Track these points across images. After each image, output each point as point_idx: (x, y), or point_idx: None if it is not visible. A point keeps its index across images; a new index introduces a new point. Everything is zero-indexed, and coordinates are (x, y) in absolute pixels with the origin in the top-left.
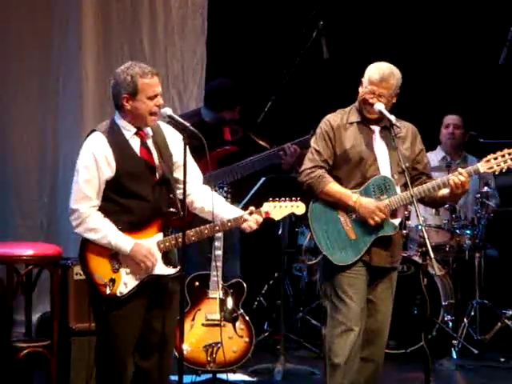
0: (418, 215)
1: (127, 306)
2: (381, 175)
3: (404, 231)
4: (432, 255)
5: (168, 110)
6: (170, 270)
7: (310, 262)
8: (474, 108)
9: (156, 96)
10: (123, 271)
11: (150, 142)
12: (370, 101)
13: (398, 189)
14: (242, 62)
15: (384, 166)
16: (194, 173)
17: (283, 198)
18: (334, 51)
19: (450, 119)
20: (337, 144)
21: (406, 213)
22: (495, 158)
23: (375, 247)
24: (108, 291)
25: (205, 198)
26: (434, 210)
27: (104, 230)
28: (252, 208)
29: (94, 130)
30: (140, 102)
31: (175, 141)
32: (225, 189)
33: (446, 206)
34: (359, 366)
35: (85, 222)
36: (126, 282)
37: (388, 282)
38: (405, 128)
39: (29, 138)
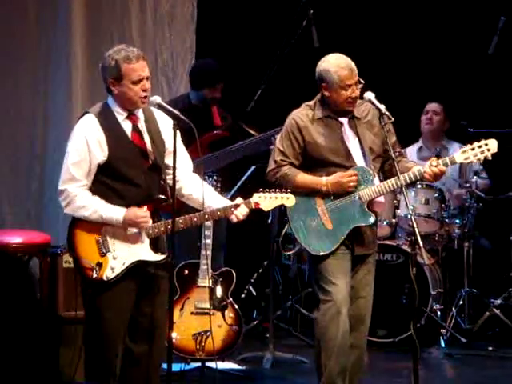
0: (407, 204)
1: (114, 291)
2: (359, 166)
3: (393, 220)
4: (421, 244)
5: (157, 98)
6: (158, 257)
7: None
8: (464, 98)
9: (141, 80)
10: (110, 256)
11: (142, 127)
12: (354, 95)
13: (376, 180)
14: (232, 49)
15: (358, 156)
16: (184, 160)
17: (273, 189)
18: (324, 40)
19: (430, 106)
20: (306, 141)
21: (395, 202)
22: (472, 149)
23: (355, 236)
24: (94, 275)
25: (193, 185)
26: (423, 199)
27: (93, 206)
28: (240, 199)
29: (86, 112)
30: (125, 87)
31: (168, 127)
32: (214, 177)
33: (436, 195)
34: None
35: (73, 201)
36: (113, 267)
37: (368, 267)
38: (370, 112)
39: (17, 124)
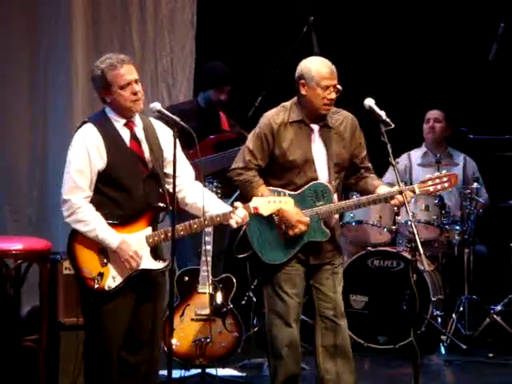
0: (407, 211)
1: (116, 300)
2: (320, 182)
3: (393, 227)
4: (421, 251)
5: (157, 105)
6: (159, 265)
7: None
8: (464, 104)
9: (129, 84)
10: (111, 265)
11: (140, 136)
12: (330, 97)
13: (335, 197)
14: (232, 56)
15: (321, 167)
16: (186, 169)
17: (272, 194)
18: (324, 46)
19: (431, 114)
20: (276, 144)
21: (395, 208)
22: (432, 180)
23: (310, 248)
24: (96, 285)
25: (197, 194)
26: (423, 205)
27: (93, 224)
28: (239, 203)
29: (85, 121)
30: (116, 94)
31: (166, 137)
32: (214, 183)
33: (436, 201)
34: (328, 356)
35: (76, 213)
36: (115, 276)
37: (331, 269)
38: (343, 122)
39: (18, 131)
